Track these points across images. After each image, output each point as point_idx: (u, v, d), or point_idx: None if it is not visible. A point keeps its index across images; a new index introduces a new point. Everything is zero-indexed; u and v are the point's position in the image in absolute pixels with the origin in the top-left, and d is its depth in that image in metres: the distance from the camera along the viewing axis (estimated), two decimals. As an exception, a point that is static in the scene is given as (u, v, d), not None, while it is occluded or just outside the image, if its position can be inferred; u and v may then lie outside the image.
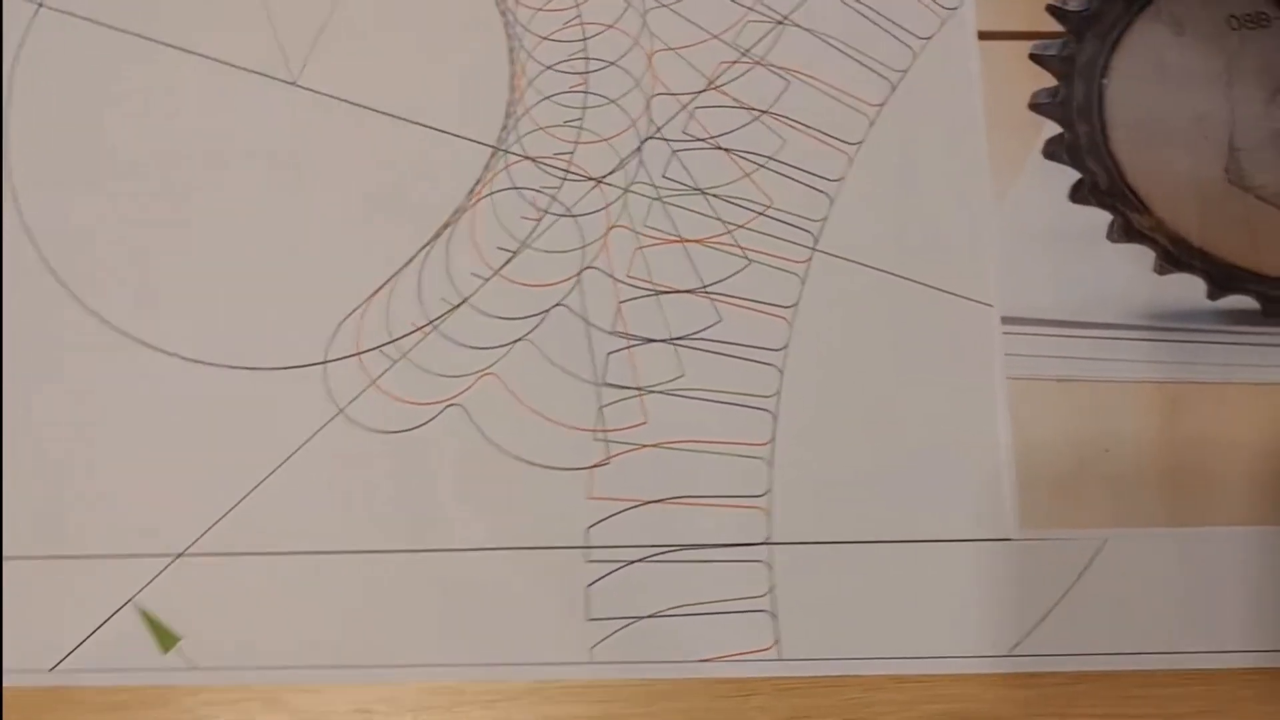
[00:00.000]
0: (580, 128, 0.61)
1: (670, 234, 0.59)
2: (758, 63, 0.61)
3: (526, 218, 0.60)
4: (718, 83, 0.61)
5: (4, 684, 0.55)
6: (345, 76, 0.62)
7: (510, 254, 0.59)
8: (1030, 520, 0.56)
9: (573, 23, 0.62)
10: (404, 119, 0.61)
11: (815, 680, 0.54)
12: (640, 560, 0.56)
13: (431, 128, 0.61)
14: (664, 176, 0.60)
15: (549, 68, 0.62)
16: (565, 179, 0.60)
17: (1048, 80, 0.59)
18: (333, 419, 0.58)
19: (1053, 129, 0.58)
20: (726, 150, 0.60)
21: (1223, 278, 0.58)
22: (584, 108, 0.61)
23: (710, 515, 0.56)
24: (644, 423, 0.57)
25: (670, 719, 0.54)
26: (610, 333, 0.58)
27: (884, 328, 0.58)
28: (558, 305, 0.59)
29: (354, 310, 0.59)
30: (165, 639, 0.56)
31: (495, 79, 0.61)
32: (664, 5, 0.62)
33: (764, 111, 0.61)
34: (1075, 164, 0.58)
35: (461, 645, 0.55)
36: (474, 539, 0.56)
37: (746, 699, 0.54)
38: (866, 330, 0.58)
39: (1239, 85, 0.54)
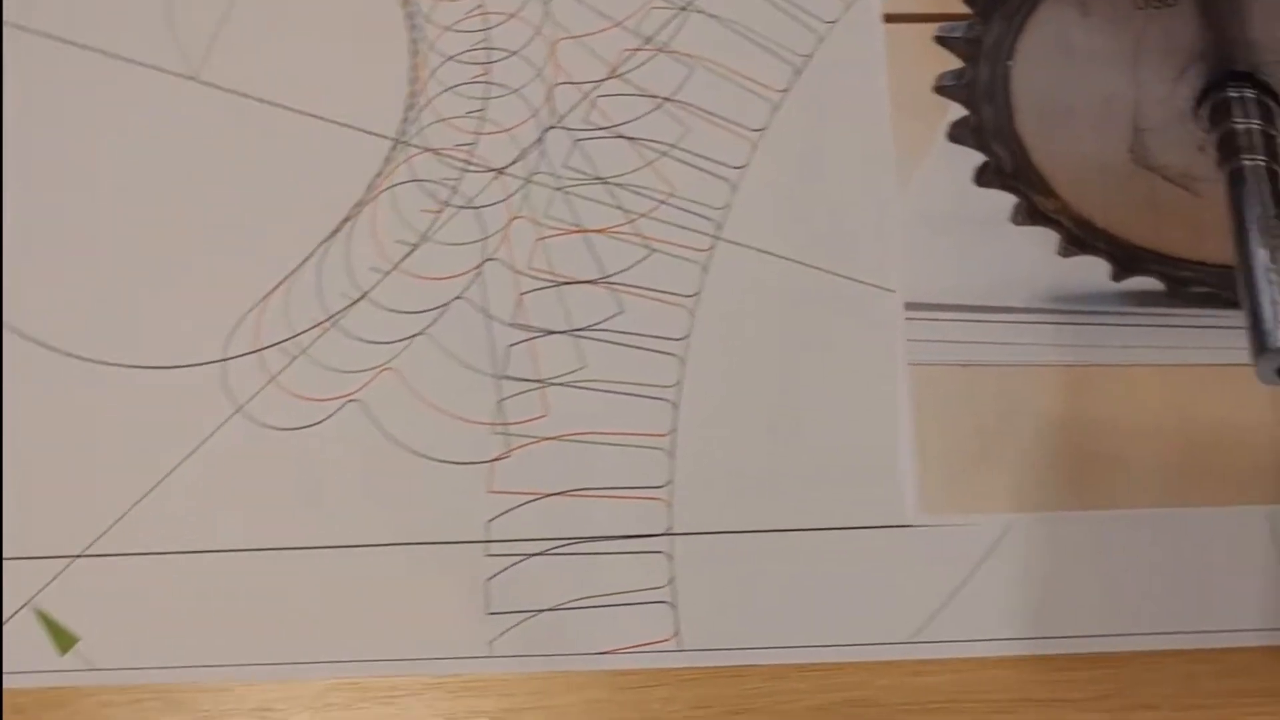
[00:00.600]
0: (482, 118, 0.61)
1: (572, 224, 0.59)
2: (661, 50, 0.61)
3: (427, 210, 0.60)
4: (620, 71, 0.61)
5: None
6: (244, 70, 0.62)
7: (410, 247, 0.59)
8: (932, 506, 0.56)
9: (475, 13, 0.62)
10: (304, 112, 0.61)
11: (717, 670, 0.54)
12: (540, 554, 0.56)
13: (332, 121, 0.61)
14: (566, 166, 0.60)
15: (451, 58, 0.61)
16: (466, 170, 0.60)
17: (953, 63, 0.58)
18: (231, 417, 0.58)
19: (958, 112, 0.58)
20: (629, 139, 0.60)
21: (1127, 259, 0.58)
22: (486, 98, 0.61)
23: (611, 507, 0.56)
24: (544, 415, 0.57)
25: (571, 712, 0.54)
26: (511, 325, 0.58)
27: (786, 315, 0.58)
28: (458, 298, 0.58)
29: (253, 307, 0.59)
30: (63, 640, 0.55)
31: (396, 71, 0.61)
32: (567, -8, 0.62)
33: (667, 99, 0.61)
34: (980, 147, 0.57)
35: (362, 641, 0.55)
36: (373, 535, 0.56)
37: (648, 690, 0.54)
38: (768, 318, 0.58)
39: (1145, 66, 0.53)
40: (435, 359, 0.58)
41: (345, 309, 0.58)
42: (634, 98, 0.61)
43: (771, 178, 0.59)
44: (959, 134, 0.57)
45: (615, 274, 0.59)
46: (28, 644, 0.55)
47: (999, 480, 0.56)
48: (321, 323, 0.58)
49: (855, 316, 0.58)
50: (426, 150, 0.60)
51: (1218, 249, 0.56)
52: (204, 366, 0.58)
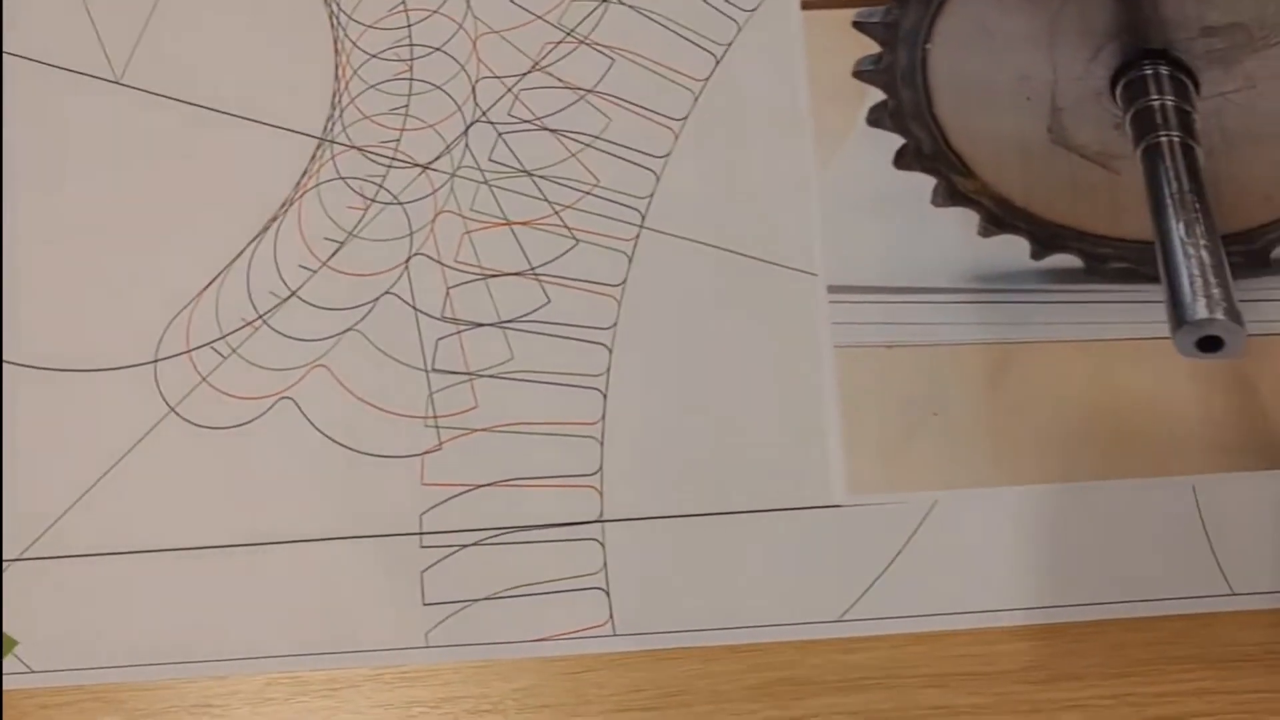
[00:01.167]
0: (406, 115, 0.61)
1: (498, 217, 0.59)
2: (582, 42, 0.62)
3: (353, 207, 0.60)
4: (543, 64, 0.61)
5: None
6: (169, 73, 0.62)
7: (338, 245, 0.59)
8: (859, 486, 0.56)
9: (397, 9, 0.62)
10: (229, 113, 0.61)
11: (651, 653, 0.55)
12: (474, 544, 0.56)
13: (257, 121, 0.61)
14: (490, 160, 0.60)
15: (374, 56, 0.62)
16: (391, 167, 0.60)
17: (871, 48, 0.59)
18: (164, 418, 0.58)
19: (877, 96, 0.58)
20: (552, 131, 0.60)
21: (1046, 237, 0.58)
22: (409, 94, 0.61)
23: (543, 496, 0.57)
24: (475, 407, 0.57)
25: (506, 699, 0.54)
26: (439, 319, 0.58)
27: (711, 302, 0.58)
28: (386, 293, 0.59)
29: (184, 308, 0.59)
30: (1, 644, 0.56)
31: (320, 70, 0.62)
32: (489, -12, 0.62)
33: (589, 91, 0.61)
34: (899, 130, 0.58)
35: (300, 636, 0.55)
36: (309, 530, 0.56)
37: (583, 675, 0.55)
38: (694, 305, 0.58)
39: (1061, 46, 0.54)
40: (365, 354, 0.58)
41: (275, 307, 0.59)
42: (557, 90, 0.61)
43: (694, 166, 0.60)
44: (878, 118, 0.58)
45: (542, 265, 0.59)
46: (-35, 649, 0.56)
47: (925, 459, 0.57)
48: (252, 321, 0.59)
49: (779, 301, 0.58)
50: (352, 148, 0.61)
51: (1135, 225, 0.57)
52: (135, 369, 0.58)
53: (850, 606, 0.55)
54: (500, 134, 0.60)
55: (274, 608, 0.56)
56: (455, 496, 0.56)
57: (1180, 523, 0.56)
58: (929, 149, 0.57)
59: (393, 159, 0.60)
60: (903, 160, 0.58)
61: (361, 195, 0.60)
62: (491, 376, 0.58)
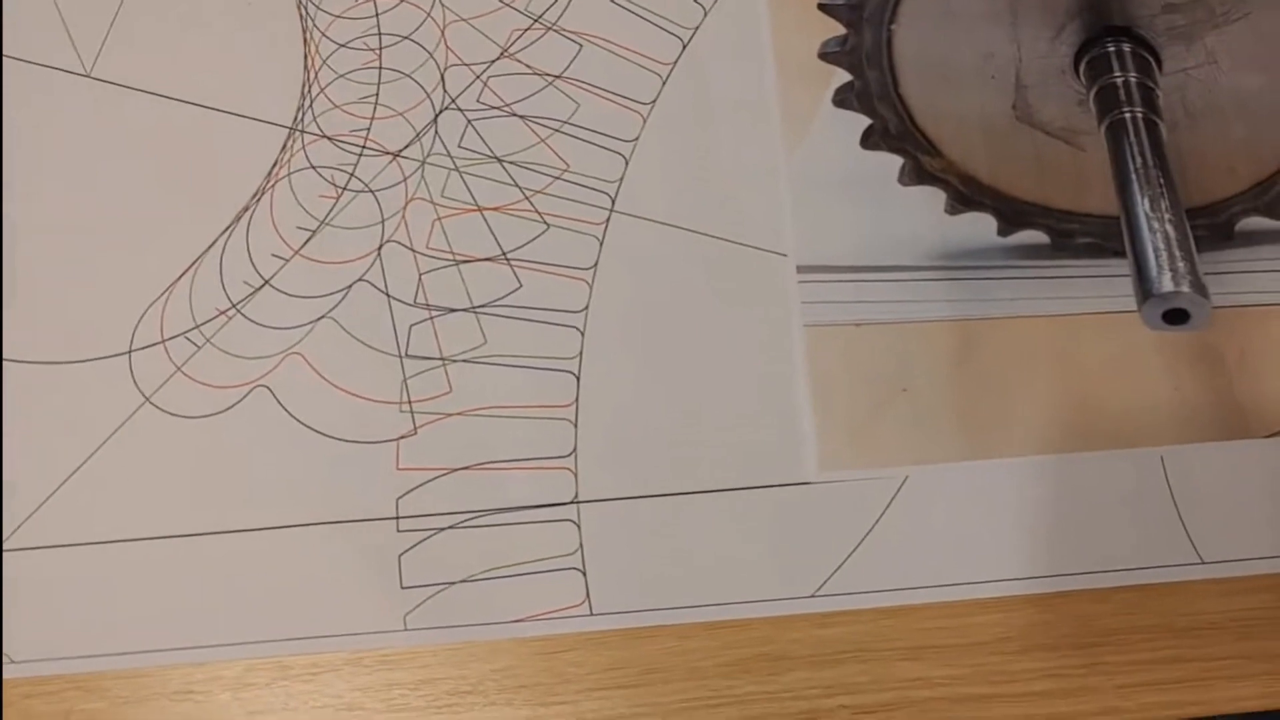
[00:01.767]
0: (375, 103, 0.61)
1: (469, 204, 0.60)
2: (550, 28, 0.62)
3: (325, 196, 0.60)
4: (511, 50, 0.62)
5: None
6: (139, 66, 0.62)
7: (310, 233, 0.60)
8: (830, 463, 0.57)
9: (364, -1, 0.63)
10: (199, 105, 0.61)
11: (628, 632, 0.55)
12: (450, 527, 0.56)
13: (227, 112, 0.61)
14: (460, 146, 0.61)
15: (343, 45, 0.62)
16: (362, 155, 0.61)
17: (837, 29, 0.59)
18: (140, 408, 0.58)
19: (843, 77, 0.58)
20: (522, 117, 0.61)
21: (1013, 214, 0.59)
22: (378, 83, 0.61)
23: (518, 478, 0.57)
24: (449, 392, 0.58)
25: (485, 680, 0.55)
26: (412, 305, 0.59)
27: (682, 283, 0.59)
28: (359, 281, 0.59)
29: (157, 298, 0.59)
30: (-19, 635, 0.56)
31: (290, 59, 0.62)
32: (457, -24, 0.63)
33: (558, 76, 0.61)
34: (866, 110, 0.58)
35: (280, 621, 0.56)
36: (286, 516, 0.57)
37: (560, 655, 0.55)
38: (665, 287, 0.59)
39: (1024, 24, 0.54)
40: (339, 342, 0.59)
41: (248, 296, 0.59)
42: (525, 76, 0.62)
43: (663, 149, 0.60)
44: (844, 99, 0.58)
45: (513, 250, 0.59)
46: (-54, 640, 0.56)
47: (895, 435, 0.57)
48: (225, 311, 0.59)
49: (749, 281, 0.59)
50: (322, 137, 0.61)
51: (1100, 201, 0.57)
52: (110, 359, 0.59)
53: (824, 582, 0.56)
54: (470, 121, 0.61)
55: (253, 594, 0.56)
56: (431, 480, 0.57)
57: (1149, 493, 0.56)
58: (895, 129, 0.58)
59: (363, 147, 0.61)
60: (869, 140, 0.58)
61: (333, 184, 0.60)
62: (465, 361, 0.58)
